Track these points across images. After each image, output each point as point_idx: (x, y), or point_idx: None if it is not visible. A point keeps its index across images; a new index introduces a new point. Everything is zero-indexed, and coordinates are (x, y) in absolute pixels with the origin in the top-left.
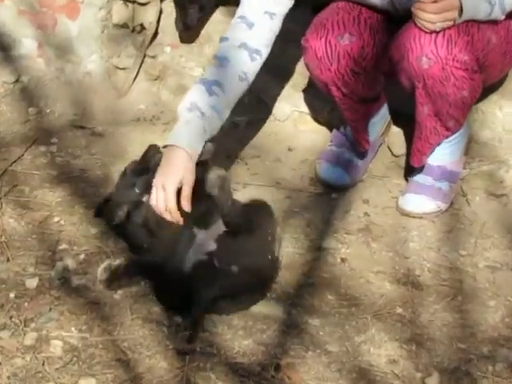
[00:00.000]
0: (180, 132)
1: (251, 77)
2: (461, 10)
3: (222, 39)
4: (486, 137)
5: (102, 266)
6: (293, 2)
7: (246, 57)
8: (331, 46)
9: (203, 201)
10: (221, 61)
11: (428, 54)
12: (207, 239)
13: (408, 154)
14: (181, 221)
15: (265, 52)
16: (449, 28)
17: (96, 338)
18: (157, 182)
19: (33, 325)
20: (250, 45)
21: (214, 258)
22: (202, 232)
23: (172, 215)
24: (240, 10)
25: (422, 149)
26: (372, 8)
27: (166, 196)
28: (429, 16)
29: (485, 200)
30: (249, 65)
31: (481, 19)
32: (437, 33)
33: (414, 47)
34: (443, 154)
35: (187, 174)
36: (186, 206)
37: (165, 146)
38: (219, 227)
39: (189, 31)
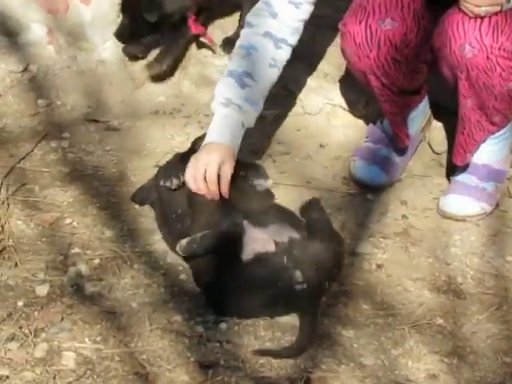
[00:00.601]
0: (218, 128)
1: (280, 63)
2: None
3: (247, 24)
4: None
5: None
6: None
7: (272, 45)
8: (371, 30)
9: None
10: (247, 50)
11: (472, 41)
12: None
13: (450, 152)
14: (216, 197)
15: (292, 40)
16: (495, 14)
17: (112, 350)
18: (197, 161)
19: (43, 335)
20: (274, 34)
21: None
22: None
23: (211, 191)
24: None
25: (465, 146)
26: None
27: (209, 172)
28: None
29: None
30: (275, 52)
31: None
32: (482, 19)
33: (457, 34)
34: (489, 152)
35: (227, 163)
36: (226, 193)
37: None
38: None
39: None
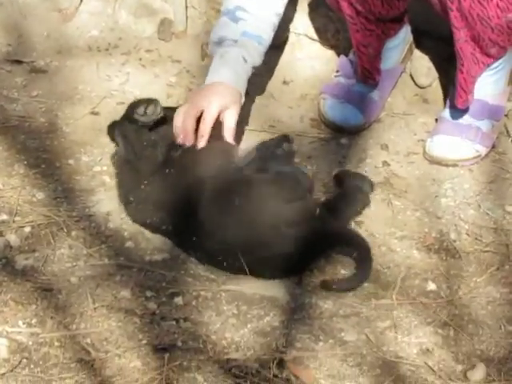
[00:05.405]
0: (217, 68)
1: None
2: None
3: None
4: None
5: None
6: None
7: None
8: None
9: None
10: None
11: None
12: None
13: (437, 85)
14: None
15: None
16: None
17: (50, 334)
18: (193, 101)
19: None
20: None
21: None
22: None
23: (201, 138)
24: None
25: (465, 85)
26: None
27: (205, 116)
28: None
29: None
30: None
31: None
32: None
33: None
34: (484, 85)
35: (232, 109)
36: (230, 137)
37: None
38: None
39: None
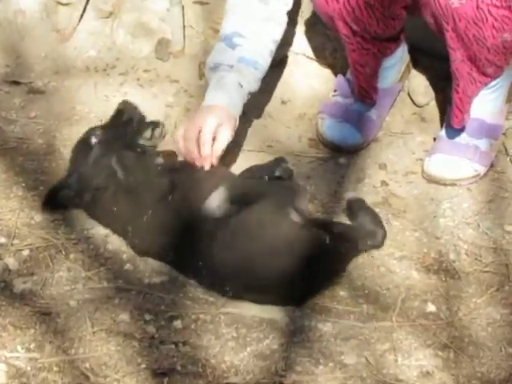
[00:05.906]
0: (212, 92)
1: (279, 16)
2: None
3: None
4: None
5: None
6: None
7: (256, 1)
8: None
9: None
10: (233, 8)
11: None
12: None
13: (434, 104)
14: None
15: None
16: None
17: (49, 359)
18: (189, 120)
19: None
20: None
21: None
22: None
23: (202, 156)
24: None
25: (461, 105)
26: None
27: (203, 132)
28: None
29: None
30: (264, 6)
31: None
32: None
33: None
34: (481, 104)
35: (226, 126)
36: (214, 160)
37: None
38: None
39: None
